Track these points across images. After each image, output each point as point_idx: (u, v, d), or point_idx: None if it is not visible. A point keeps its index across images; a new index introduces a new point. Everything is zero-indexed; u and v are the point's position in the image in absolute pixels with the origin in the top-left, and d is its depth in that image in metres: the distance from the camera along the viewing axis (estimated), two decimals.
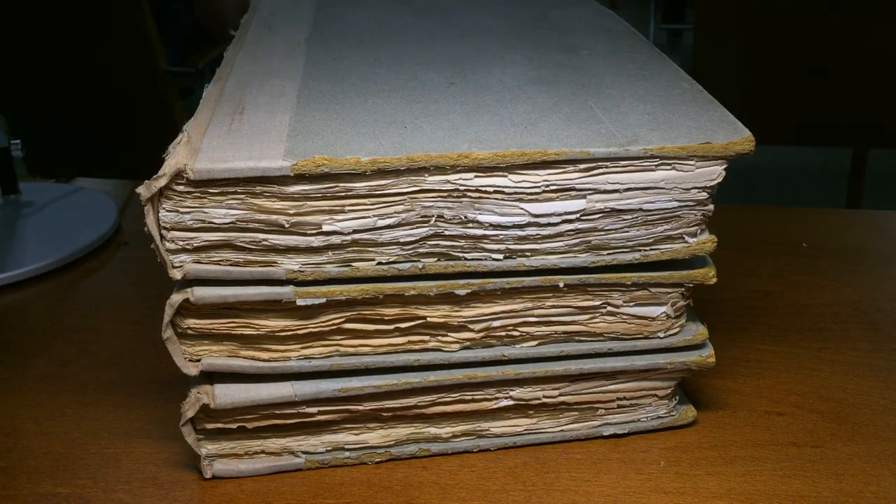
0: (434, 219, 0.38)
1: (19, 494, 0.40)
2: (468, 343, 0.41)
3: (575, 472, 0.41)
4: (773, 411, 0.46)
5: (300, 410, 0.41)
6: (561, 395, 0.42)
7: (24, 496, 0.40)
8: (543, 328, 0.41)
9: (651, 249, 0.40)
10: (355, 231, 0.37)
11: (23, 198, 0.70)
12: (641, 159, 0.38)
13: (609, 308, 0.41)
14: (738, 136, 0.38)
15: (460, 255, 0.39)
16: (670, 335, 0.42)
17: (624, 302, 0.41)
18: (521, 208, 0.38)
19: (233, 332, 0.39)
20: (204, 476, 0.41)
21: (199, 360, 0.39)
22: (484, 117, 0.40)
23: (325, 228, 0.37)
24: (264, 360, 0.40)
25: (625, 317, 0.41)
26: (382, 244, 0.38)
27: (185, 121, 0.40)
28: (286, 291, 0.38)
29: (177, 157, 0.36)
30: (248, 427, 0.41)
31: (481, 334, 0.41)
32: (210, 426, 0.40)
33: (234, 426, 0.41)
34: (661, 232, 0.40)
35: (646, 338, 0.42)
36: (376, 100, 0.42)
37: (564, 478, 0.41)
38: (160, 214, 0.36)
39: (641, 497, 0.40)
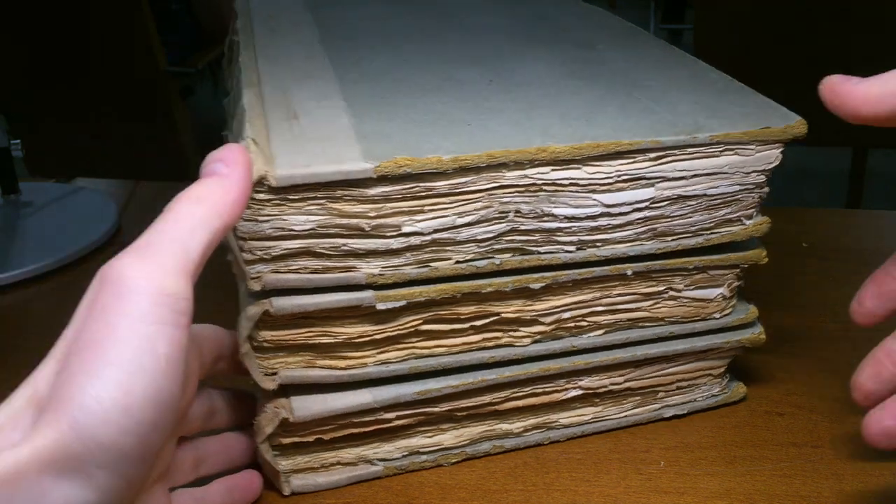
0: (511, 214, 0.38)
1: None
2: (538, 336, 0.41)
3: (575, 472, 0.42)
4: (773, 411, 0.46)
5: (378, 417, 0.40)
6: (626, 381, 0.43)
7: None
8: (609, 317, 0.42)
9: (712, 233, 0.41)
10: (435, 231, 0.37)
11: (23, 198, 0.70)
12: (708, 146, 0.39)
13: (671, 293, 0.42)
14: (792, 121, 0.40)
15: (534, 249, 0.39)
16: (725, 315, 0.44)
17: (685, 286, 0.42)
18: (595, 199, 0.38)
19: (309, 342, 0.38)
20: (283, 493, 0.40)
21: (275, 374, 0.38)
22: (541, 112, 0.40)
23: (405, 230, 0.37)
24: (342, 369, 0.39)
25: (685, 300, 0.42)
26: (460, 242, 0.38)
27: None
28: (366, 296, 0.37)
29: (260, 165, 0.35)
30: (324, 439, 0.40)
31: (552, 327, 0.41)
32: (286, 441, 0.39)
33: (311, 439, 0.40)
34: (722, 216, 0.41)
35: (703, 319, 0.43)
36: (426, 99, 0.42)
37: (564, 478, 0.41)
38: (237, 225, 0.35)
39: (641, 497, 0.40)
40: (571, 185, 0.38)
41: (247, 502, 0.39)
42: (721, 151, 0.39)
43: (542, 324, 0.41)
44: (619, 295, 0.41)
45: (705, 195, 0.40)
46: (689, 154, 0.39)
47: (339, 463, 0.41)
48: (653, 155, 0.38)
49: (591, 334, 0.42)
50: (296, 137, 0.37)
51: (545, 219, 0.38)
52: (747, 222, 0.41)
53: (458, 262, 0.38)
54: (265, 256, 0.36)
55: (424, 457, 0.42)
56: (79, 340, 0.26)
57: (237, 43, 0.52)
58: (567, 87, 0.44)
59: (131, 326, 0.25)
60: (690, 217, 0.40)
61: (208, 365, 0.38)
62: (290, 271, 0.37)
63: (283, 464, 0.40)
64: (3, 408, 0.26)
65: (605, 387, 0.43)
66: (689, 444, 0.43)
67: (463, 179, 0.37)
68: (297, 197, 0.35)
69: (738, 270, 0.43)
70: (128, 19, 1.18)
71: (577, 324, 0.41)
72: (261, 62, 0.47)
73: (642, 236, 0.40)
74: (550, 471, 0.41)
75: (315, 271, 0.37)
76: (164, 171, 0.51)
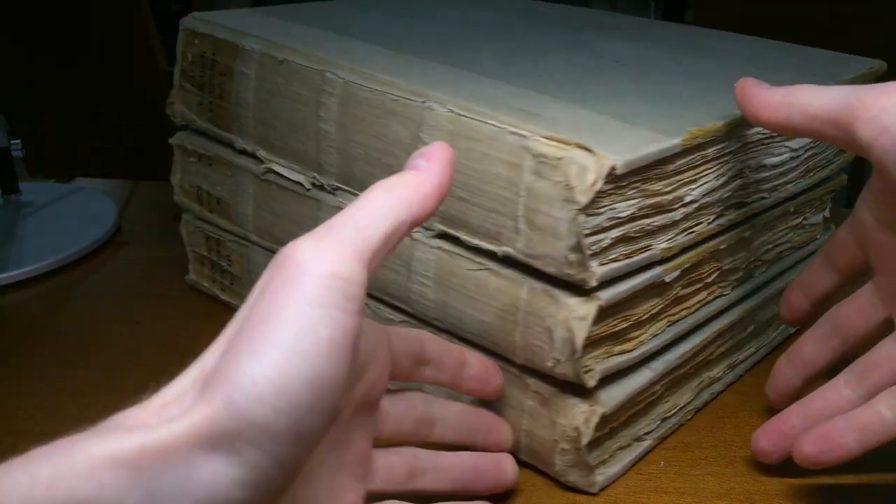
0: (747, 170, 0.41)
1: None
2: (736, 282, 0.44)
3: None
4: (774, 410, 0.44)
5: (652, 391, 0.40)
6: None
7: None
8: (773, 252, 0.47)
9: (832, 163, 0.48)
10: (703, 196, 0.39)
11: (23, 198, 0.70)
12: None
13: (803, 221, 0.48)
14: (875, 64, 0.48)
15: (747, 200, 0.42)
16: (822, 235, 0.51)
17: (811, 213, 0.48)
18: (786, 146, 0.43)
19: (610, 331, 0.37)
20: (591, 492, 0.39)
21: (590, 370, 0.37)
22: (713, 83, 0.43)
23: (686, 199, 0.38)
24: (630, 351, 0.39)
25: (808, 227, 0.49)
26: (711, 204, 0.40)
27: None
28: (658, 272, 0.38)
29: (588, 157, 0.34)
30: (615, 426, 0.39)
31: (744, 271, 0.45)
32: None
33: (606, 430, 0.39)
34: (835, 150, 0.48)
35: (812, 242, 0.50)
36: (606, 83, 0.42)
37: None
38: (580, 220, 0.34)
39: (641, 497, 0.39)
40: (769, 137, 0.42)
41: (489, 489, 0.37)
42: None
43: (741, 269, 0.44)
44: (780, 231, 0.46)
45: None
46: None
47: (619, 448, 0.41)
48: None
49: (764, 270, 0.46)
50: (572, 131, 0.36)
51: (759, 170, 0.42)
52: (843, 156, 0.49)
53: (708, 223, 0.40)
54: (596, 250, 0.35)
55: (672, 419, 0.43)
56: (247, 320, 0.26)
57: (243, 75, 0.47)
58: (684, 63, 0.47)
59: (297, 308, 0.25)
60: (825, 153, 0.47)
61: (411, 361, 0.36)
62: (609, 261, 0.36)
63: (590, 461, 0.39)
64: (173, 385, 0.26)
65: (767, 317, 0.48)
66: (689, 444, 0.43)
67: (724, 143, 0.39)
68: (625, 183, 0.35)
69: (832, 195, 0.50)
70: (128, 19, 1.18)
71: (755, 263, 0.45)
72: (380, 71, 0.42)
73: (801, 175, 0.45)
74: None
75: (628, 256, 0.37)
76: (165, 171, 0.47)
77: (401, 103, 0.40)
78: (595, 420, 0.37)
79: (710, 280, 0.42)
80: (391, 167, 0.41)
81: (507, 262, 0.38)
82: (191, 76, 0.52)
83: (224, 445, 0.24)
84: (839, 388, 0.38)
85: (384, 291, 0.44)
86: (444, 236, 0.40)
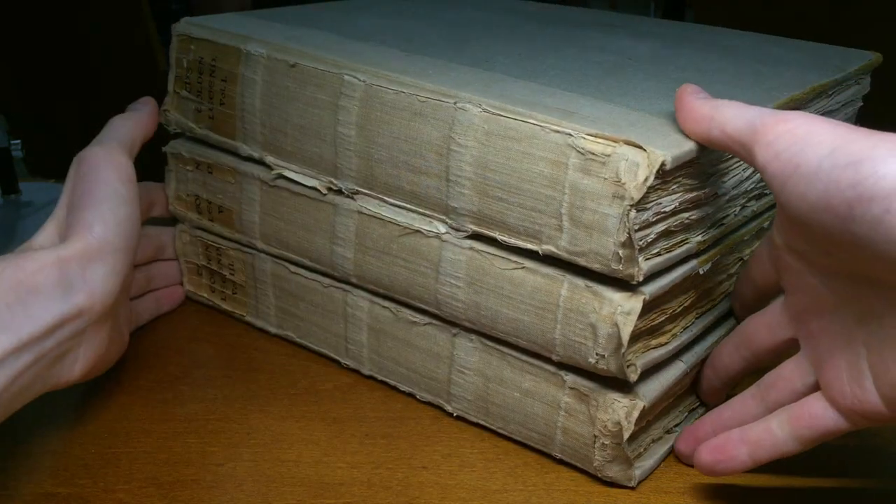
0: None
1: (19, 494, 0.40)
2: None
3: (575, 472, 0.41)
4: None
5: (682, 384, 0.41)
6: None
7: (24, 496, 0.40)
8: None
9: None
10: (732, 188, 0.40)
11: (23, 198, 0.74)
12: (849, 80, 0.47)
13: None
14: (871, 56, 0.50)
15: (766, 192, 0.43)
16: None
17: None
18: None
19: (648, 325, 0.38)
20: (630, 486, 0.40)
21: (632, 365, 0.37)
22: (724, 77, 0.45)
23: (719, 192, 0.39)
24: (665, 344, 0.39)
25: None
26: (738, 196, 0.41)
27: None
28: (693, 265, 0.39)
29: (638, 153, 0.34)
30: (650, 419, 0.40)
31: None
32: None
33: (643, 423, 0.39)
34: None
35: None
36: (626, 83, 0.43)
37: (564, 478, 0.41)
38: (632, 216, 0.34)
39: (641, 497, 0.40)
40: None
41: (172, 307, 0.56)
42: (853, 83, 0.48)
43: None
44: None
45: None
46: (842, 87, 0.47)
47: (652, 441, 0.41)
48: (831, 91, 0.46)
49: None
50: (613, 127, 0.36)
51: None
52: None
53: (734, 215, 0.41)
54: (642, 245, 0.35)
55: (699, 411, 0.44)
56: (76, 194, 0.43)
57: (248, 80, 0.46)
58: (718, 63, 0.48)
59: (108, 182, 0.43)
60: None
61: (145, 210, 0.53)
62: (652, 256, 0.36)
63: (630, 454, 0.39)
64: (38, 235, 0.43)
65: None
66: None
67: None
68: (670, 178, 0.35)
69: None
70: (128, 19, 1.20)
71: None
72: (419, 83, 0.41)
73: None
74: (550, 471, 0.41)
75: (668, 250, 0.37)
76: (164, 170, 0.48)
77: (430, 104, 0.40)
78: (636, 414, 0.38)
79: (732, 271, 0.43)
80: (419, 169, 0.41)
81: (546, 260, 0.38)
82: (187, 82, 0.50)
83: (96, 258, 0.41)
84: (746, 401, 0.39)
85: (408, 294, 0.43)
86: (476, 237, 0.40)
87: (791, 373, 0.37)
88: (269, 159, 0.47)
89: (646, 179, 0.34)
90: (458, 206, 0.40)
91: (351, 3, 0.59)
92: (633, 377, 0.37)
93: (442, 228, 0.41)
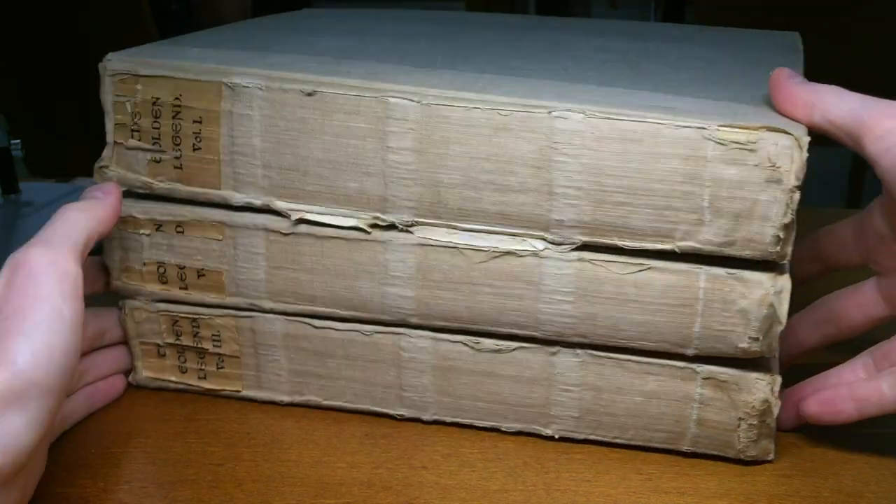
0: None
1: None
2: None
3: (575, 472, 0.41)
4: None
5: None
6: None
7: None
8: None
9: None
10: None
11: (23, 198, 0.72)
12: None
13: None
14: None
15: None
16: None
17: None
18: None
19: None
20: (769, 459, 0.41)
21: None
22: (722, 68, 0.46)
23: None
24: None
25: None
26: None
27: None
28: None
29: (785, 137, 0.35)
30: None
31: None
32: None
33: None
34: None
35: None
36: (661, 77, 0.43)
37: (564, 478, 0.41)
38: (795, 198, 0.36)
39: (641, 497, 0.40)
40: None
41: (107, 402, 0.46)
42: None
43: None
44: None
45: None
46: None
47: None
48: None
49: None
50: (723, 118, 0.36)
51: None
52: None
53: None
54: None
55: None
56: (5, 311, 0.34)
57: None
58: (710, 55, 0.49)
59: (46, 298, 0.34)
60: None
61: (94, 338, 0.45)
62: None
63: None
64: None
65: None
66: None
67: None
68: None
69: None
70: (128, 19, 1.21)
71: None
72: (495, 98, 0.38)
73: None
74: (550, 471, 0.41)
75: None
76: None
77: (516, 117, 0.37)
78: (777, 388, 0.39)
79: None
80: (509, 187, 0.38)
81: (676, 256, 0.38)
82: (135, 130, 0.42)
83: (17, 401, 0.32)
84: (857, 370, 0.40)
85: (496, 321, 0.40)
86: (584, 247, 0.38)
87: None
88: (280, 205, 0.41)
89: (803, 162, 0.35)
90: (564, 219, 0.38)
91: (285, 25, 0.53)
92: (777, 353, 0.38)
93: (539, 245, 0.39)
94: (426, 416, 0.44)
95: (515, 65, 0.44)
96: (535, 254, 0.39)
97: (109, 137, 0.43)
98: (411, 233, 0.40)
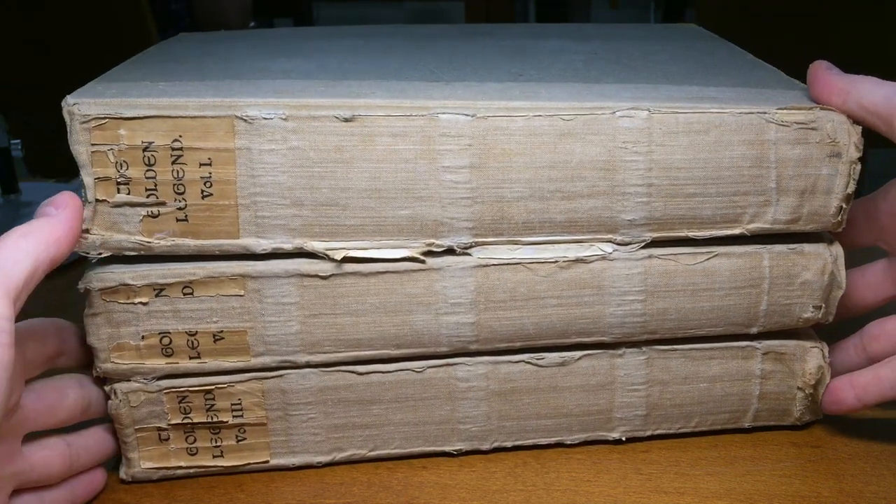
0: None
1: None
2: None
3: (575, 472, 0.41)
4: None
5: None
6: None
7: None
8: None
9: None
10: None
11: (23, 198, 0.74)
12: None
13: None
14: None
15: None
16: None
17: None
18: None
19: None
20: (819, 418, 0.43)
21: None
22: (686, 64, 0.47)
23: None
24: None
25: None
26: None
27: None
28: None
29: (835, 115, 0.37)
30: None
31: None
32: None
33: None
34: None
35: None
36: (659, 71, 0.43)
37: (564, 478, 0.41)
38: (857, 169, 0.38)
39: (641, 497, 0.39)
40: None
41: (89, 498, 0.40)
42: None
43: None
44: None
45: None
46: None
47: None
48: None
49: None
50: (759, 103, 0.38)
51: None
52: None
53: None
54: None
55: None
56: None
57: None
58: (669, 49, 0.49)
59: None
60: None
61: (44, 362, 0.38)
62: None
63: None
64: None
65: None
66: (689, 445, 0.43)
67: None
68: None
69: None
70: (128, 19, 1.21)
71: None
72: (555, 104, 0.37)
73: None
74: (550, 471, 0.41)
75: None
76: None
77: (580, 121, 0.36)
78: (827, 354, 0.41)
79: None
80: (578, 192, 0.37)
81: (739, 240, 0.38)
82: (122, 183, 0.36)
83: None
84: (848, 350, 0.42)
85: (564, 333, 0.39)
86: (652, 244, 0.38)
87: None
88: (316, 245, 0.37)
89: (859, 134, 0.37)
90: (635, 219, 0.37)
91: (240, 48, 0.47)
92: (830, 318, 0.40)
93: (608, 248, 0.38)
94: (485, 446, 0.41)
95: (515, 70, 0.42)
96: (603, 258, 0.38)
97: (90, 195, 0.36)
98: (470, 255, 0.38)
